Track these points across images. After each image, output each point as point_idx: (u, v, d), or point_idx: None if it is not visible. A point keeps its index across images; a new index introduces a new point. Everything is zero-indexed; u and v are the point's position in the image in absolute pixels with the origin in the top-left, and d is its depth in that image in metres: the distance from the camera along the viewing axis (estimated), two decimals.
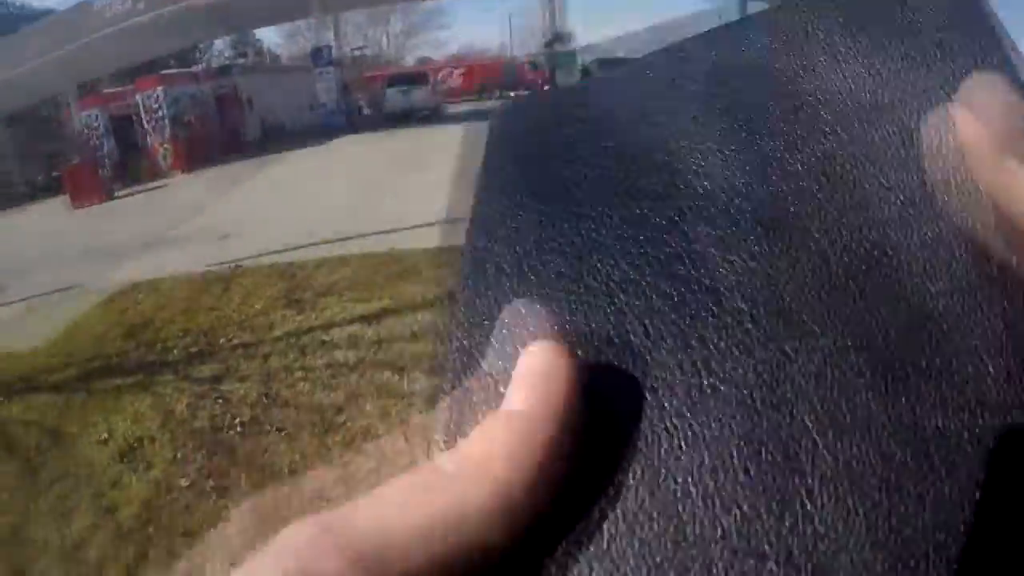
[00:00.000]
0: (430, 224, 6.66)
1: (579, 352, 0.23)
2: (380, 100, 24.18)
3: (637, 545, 0.19)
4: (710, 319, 0.23)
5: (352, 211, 8.29)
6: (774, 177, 0.26)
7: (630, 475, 0.20)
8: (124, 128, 19.96)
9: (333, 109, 21.72)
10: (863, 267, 0.23)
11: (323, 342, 4.64)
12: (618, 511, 0.20)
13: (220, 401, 4.15)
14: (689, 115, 0.29)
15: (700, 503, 0.20)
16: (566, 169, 0.29)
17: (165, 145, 19.19)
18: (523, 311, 0.24)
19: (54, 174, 19.73)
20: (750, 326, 0.22)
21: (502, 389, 0.23)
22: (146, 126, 19.41)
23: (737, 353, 0.22)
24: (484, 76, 34.31)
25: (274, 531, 0.18)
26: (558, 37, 24.37)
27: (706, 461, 0.20)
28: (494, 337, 0.24)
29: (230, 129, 21.10)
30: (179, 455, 3.70)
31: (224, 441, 3.73)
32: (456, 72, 35.17)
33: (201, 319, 5.62)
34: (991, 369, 0.20)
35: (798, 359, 0.21)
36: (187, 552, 0.30)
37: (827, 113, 0.27)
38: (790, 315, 0.22)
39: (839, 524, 0.19)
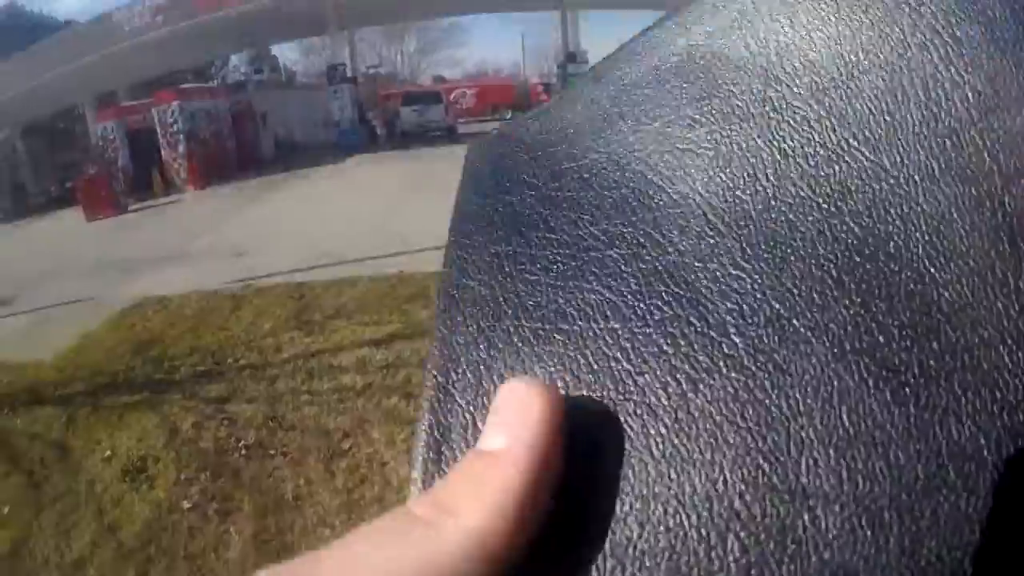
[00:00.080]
0: (440, 247, 6.61)
1: (558, 383, 0.22)
2: (394, 119, 24.38)
3: None
4: (693, 335, 0.21)
5: (364, 231, 8.32)
6: (759, 174, 0.24)
7: (617, 507, 0.19)
8: (140, 141, 20.12)
9: (347, 127, 21.86)
10: (857, 261, 0.21)
11: (331, 366, 4.62)
12: (606, 547, 0.19)
13: (226, 422, 4.13)
14: (657, 117, 0.27)
15: (694, 533, 0.18)
16: (536, 197, 0.28)
17: (179, 160, 19.33)
18: (500, 346, 0.24)
19: (68, 185, 19.92)
20: (737, 339, 0.21)
21: (480, 425, 0.22)
22: (161, 140, 19.55)
23: (725, 369, 0.20)
24: (497, 96, 34.58)
25: (275, 559, 0.18)
26: (571, 57, 24.49)
27: (698, 488, 0.19)
28: (471, 372, 0.24)
29: (244, 145, 21.25)
30: (183, 476, 3.68)
31: (229, 463, 3.71)
32: (470, 92, 35.46)
33: (210, 338, 5.61)
34: (1009, 363, 0.18)
35: (792, 369, 0.20)
36: None
37: (809, 92, 0.24)
38: (781, 322, 0.20)
39: (846, 550, 0.17)
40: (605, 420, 0.21)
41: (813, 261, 0.21)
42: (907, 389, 0.18)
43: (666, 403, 0.20)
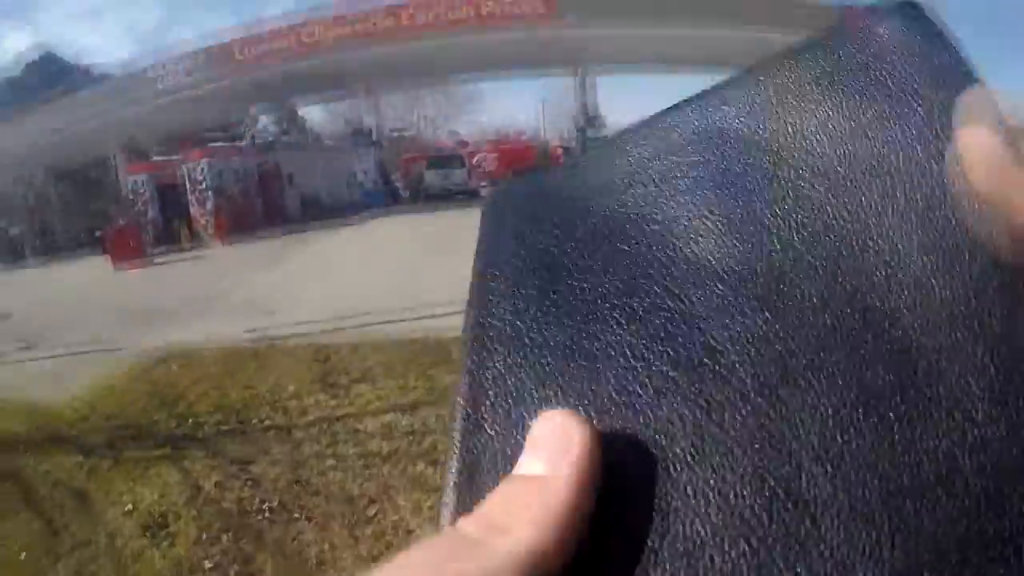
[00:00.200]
0: (461, 312, 6.55)
1: (587, 415, 0.24)
2: (418, 181, 24.70)
3: None
4: (708, 373, 0.24)
5: (389, 293, 8.33)
6: (765, 240, 0.27)
7: (644, 525, 0.22)
8: (169, 196, 20.49)
9: (371, 188, 22.17)
10: (847, 312, 0.24)
11: (356, 430, 4.59)
12: (635, 560, 0.21)
13: (250, 483, 4.11)
14: (676, 186, 0.30)
15: (711, 541, 0.21)
16: (559, 242, 0.30)
17: (207, 215, 19.65)
18: (525, 380, 0.26)
19: (96, 233, 20.19)
20: (747, 378, 0.23)
21: (509, 452, 0.24)
22: (190, 196, 19.90)
23: (736, 401, 0.23)
24: (518, 159, 34.81)
25: None
26: (590, 122, 24.84)
27: (713, 502, 0.21)
28: (499, 404, 0.26)
29: (271, 203, 21.58)
30: (204, 535, 3.65)
31: (252, 524, 3.68)
32: (491, 156, 35.77)
33: (234, 396, 5.60)
34: (976, 389, 0.21)
35: (793, 401, 0.22)
36: None
37: (813, 173, 0.27)
38: (784, 363, 0.23)
39: (845, 546, 0.20)
40: (631, 448, 0.23)
41: (811, 312, 0.24)
42: (892, 413, 0.21)
43: (683, 430, 0.23)
